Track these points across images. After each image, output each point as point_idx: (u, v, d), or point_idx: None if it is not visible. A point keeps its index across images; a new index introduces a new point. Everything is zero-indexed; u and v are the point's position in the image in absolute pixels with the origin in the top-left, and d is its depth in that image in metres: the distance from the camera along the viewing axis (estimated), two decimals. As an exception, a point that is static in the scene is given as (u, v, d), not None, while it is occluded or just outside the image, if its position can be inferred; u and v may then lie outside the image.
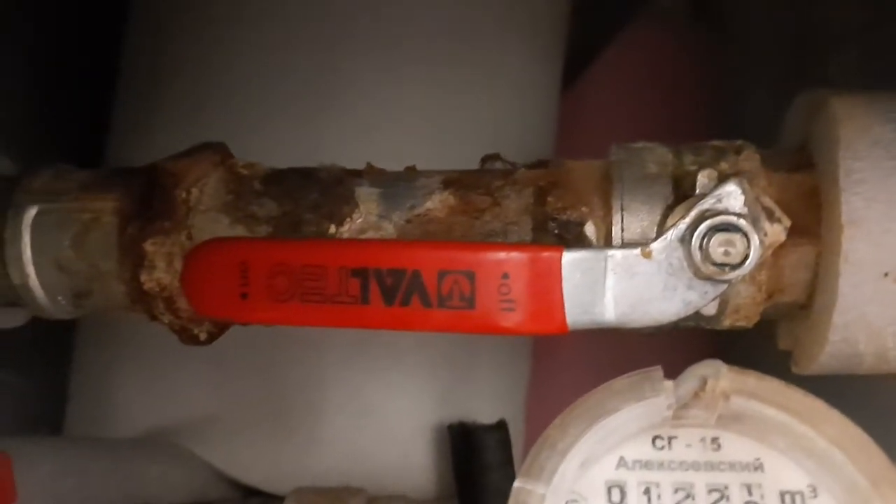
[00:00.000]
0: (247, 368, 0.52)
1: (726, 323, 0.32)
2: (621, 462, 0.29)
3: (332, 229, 0.33)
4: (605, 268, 0.29)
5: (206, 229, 0.33)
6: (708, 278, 0.29)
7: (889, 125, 0.30)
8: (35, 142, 0.54)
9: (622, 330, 0.30)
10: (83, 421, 0.55)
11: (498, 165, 0.34)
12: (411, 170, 0.34)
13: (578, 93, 0.74)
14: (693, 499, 0.28)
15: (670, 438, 0.29)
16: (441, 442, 0.52)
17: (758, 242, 0.28)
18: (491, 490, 0.46)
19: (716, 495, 0.28)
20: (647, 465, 0.29)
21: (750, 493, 0.28)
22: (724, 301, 0.31)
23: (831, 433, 0.28)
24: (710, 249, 0.28)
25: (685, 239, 0.29)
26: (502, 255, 0.29)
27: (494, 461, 0.46)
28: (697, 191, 0.30)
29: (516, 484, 0.27)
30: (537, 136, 0.58)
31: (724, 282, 0.29)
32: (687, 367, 0.29)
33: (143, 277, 0.32)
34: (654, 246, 0.29)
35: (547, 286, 0.29)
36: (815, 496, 0.28)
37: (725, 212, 0.29)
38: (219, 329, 0.34)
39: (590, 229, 0.32)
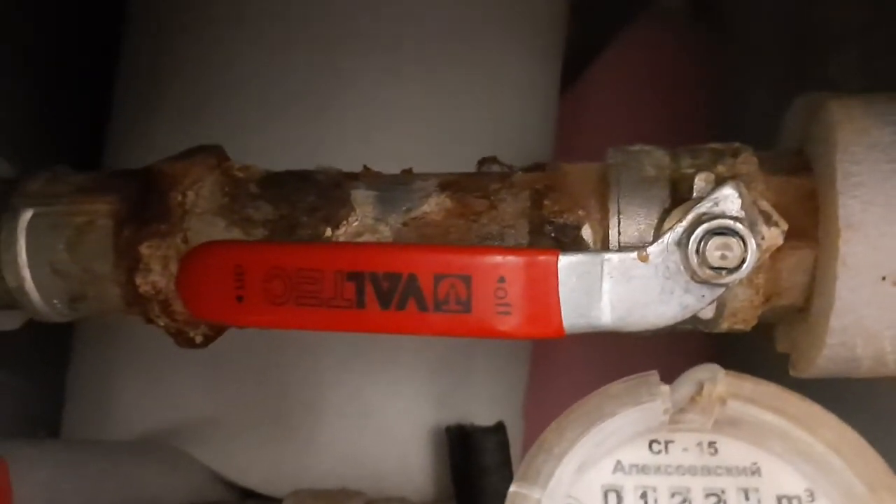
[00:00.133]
0: (245, 371, 0.52)
1: (724, 326, 0.32)
2: (618, 466, 0.29)
3: (329, 232, 0.33)
4: (602, 271, 0.29)
5: (202, 232, 0.33)
6: (705, 282, 0.29)
7: (887, 128, 0.30)
8: (34, 143, 0.54)
9: (619, 334, 0.30)
10: (81, 423, 0.55)
11: (495, 168, 0.34)
12: (408, 173, 0.34)
13: (578, 93, 0.74)
14: (690, 503, 0.28)
15: (667, 443, 0.29)
16: (439, 444, 0.51)
17: (755, 246, 0.28)
18: (489, 492, 0.46)
19: (713, 500, 0.28)
20: (643, 469, 0.29)
21: (747, 498, 0.28)
22: (721, 304, 0.31)
23: (829, 438, 0.28)
24: (707, 253, 0.28)
25: (682, 242, 0.29)
26: (498, 258, 0.29)
27: (492, 464, 0.46)
28: (694, 194, 0.30)
29: (512, 488, 0.27)
30: (536, 137, 0.58)
31: (721, 285, 0.29)
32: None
33: (139, 280, 0.32)
34: (651, 249, 0.29)
35: (543, 290, 0.29)
36: (813, 501, 0.28)
37: (722, 215, 0.29)
38: (215, 332, 0.34)
39: (586, 233, 0.32)
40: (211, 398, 0.53)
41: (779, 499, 0.28)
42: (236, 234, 0.33)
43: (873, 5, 0.53)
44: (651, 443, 0.29)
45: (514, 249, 0.30)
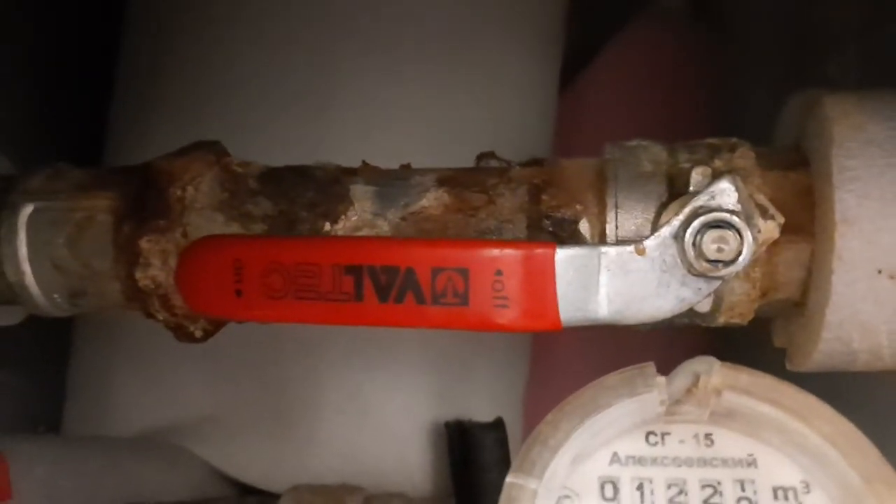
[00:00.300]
0: (244, 367, 0.52)
1: (721, 320, 0.32)
2: (615, 458, 0.29)
3: (327, 227, 0.33)
4: (599, 265, 0.29)
5: (201, 227, 0.33)
6: (701, 275, 0.29)
7: (883, 123, 0.30)
8: (34, 142, 0.54)
9: (617, 327, 0.31)
10: (81, 420, 0.55)
11: (493, 163, 0.34)
12: (406, 168, 0.34)
13: (578, 93, 0.74)
14: (686, 494, 0.28)
15: (663, 434, 0.29)
16: (438, 440, 0.52)
17: (751, 239, 0.28)
18: (488, 488, 0.46)
19: (709, 491, 0.28)
20: (640, 460, 0.29)
21: (743, 489, 0.28)
22: (718, 298, 0.31)
23: (824, 429, 0.28)
24: (704, 246, 0.28)
25: (679, 236, 0.29)
26: (496, 251, 0.29)
27: (491, 460, 0.46)
28: (691, 188, 0.30)
29: (508, 479, 0.27)
30: (535, 136, 0.58)
31: (717, 278, 0.29)
32: (681, 365, 0.29)
33: (139, 275, 0.32)
34: (648, 243, 0.29)
35: (540, 283, 0.29)
36: (808, 492, 0.28)
37: (719, 209, 0.29)
38: (214, 326, 0.34)
39: (584, 227, 0.32)
40: (210, 395, 0.53)
41: (774, 490, 0.28)
42: (235, 229, 0.33)
43: (873, 5, 0.53)
44: (647, 434, 0.29)
45: (512, 243, 0.30)
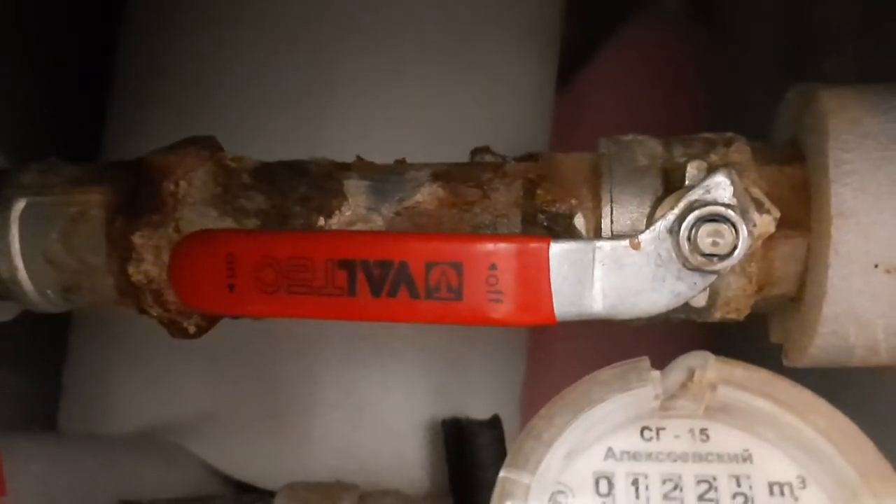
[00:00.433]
0: (241, 365, 0.52)
1: (717, 315, 0.32)
2: (609, 453, 0.29)
3: (321, 222, 0.33)
4: (594, 259, 0.29)
5: (194, 222, 0.33)
6: (697, 269, 0.29)
7: (879, 117, 0.30)
8: (33, 140, 0.54)
9: (612, 322, 0.30)
10: (77, 418, 0.55)
11: (488, 158, 0.34)
12: (400, 162, 0.34)
13: (577, 92, 0.74)
14: (681, 490, 0.28)
15: (658, 429, 0.29)
16: (435, 437, 0.51)
17: (746, 233, 0.28)
18: (484, 485, 0.46)
19: (704, 486, 0.28)
20: (635, 455, 0.29)
21: (738, 485, 0.28)
22: (714, 293, 0.31)
23: (820, 424, 0.28)
24: (699, 240, 0.28)
25: (674, 230, 0.29)
26: (489, 245, 0.29)
27: (488, 457, 0.46)
28: (687, 182, 0.30)
29: (501, 473, 0.27)
30: (532, 135, 0.58)
31: (712, 272, 0.29)
32: (676, 360, 0.29)
33: (131, 270, 0.32)
34: (643, 237, 0.29)
35: (534, 277, 0.29)
36: (804, 487, 0.28)
37: (714, 202, 0.29)
38: (208, 322, 0.34)
39: (579, 221, 0.32)
40: (206, 393, 0.53)
41: (770, 485, 0.28)
42: (229, 224, 0.33)
43: (870, 5, 0.53)
44: (642, 429, 0.29)
45: (506, 237, 0.30)
